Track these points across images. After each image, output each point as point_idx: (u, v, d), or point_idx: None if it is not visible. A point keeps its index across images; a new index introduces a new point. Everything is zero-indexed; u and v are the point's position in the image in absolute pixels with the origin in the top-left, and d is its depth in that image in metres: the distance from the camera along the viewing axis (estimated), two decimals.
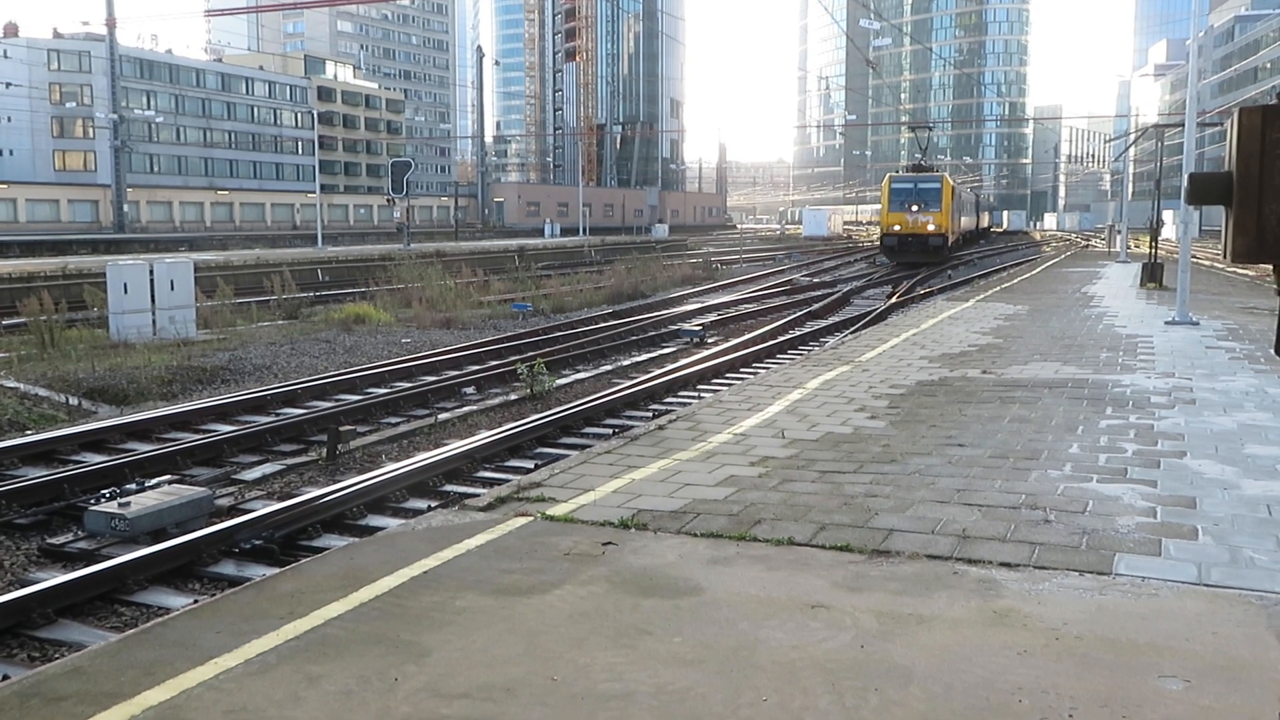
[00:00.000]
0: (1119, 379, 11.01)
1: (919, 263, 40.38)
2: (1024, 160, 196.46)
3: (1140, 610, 4.51)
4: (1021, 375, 11.31)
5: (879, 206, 46.86)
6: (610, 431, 11.15)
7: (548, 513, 6.09)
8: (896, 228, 42.18)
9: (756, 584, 4.88)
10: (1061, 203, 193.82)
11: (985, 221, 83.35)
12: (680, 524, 5.85)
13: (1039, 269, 35.48)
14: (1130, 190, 55.51)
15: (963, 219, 54.05)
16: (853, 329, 20.32)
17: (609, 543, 5.51)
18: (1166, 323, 16.59)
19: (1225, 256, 1.85)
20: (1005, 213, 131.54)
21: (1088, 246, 64.91)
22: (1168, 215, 58.35)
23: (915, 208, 41.79)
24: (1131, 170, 63.91)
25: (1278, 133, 1.73)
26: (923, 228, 41.65)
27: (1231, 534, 5.58)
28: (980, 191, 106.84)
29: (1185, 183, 1.91)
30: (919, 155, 48.08)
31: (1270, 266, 1.93)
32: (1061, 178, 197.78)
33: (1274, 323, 2.03)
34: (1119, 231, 46.11)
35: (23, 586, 6.50)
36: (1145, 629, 4.30)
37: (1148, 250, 30.62)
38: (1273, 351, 2.30)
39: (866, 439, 8.10)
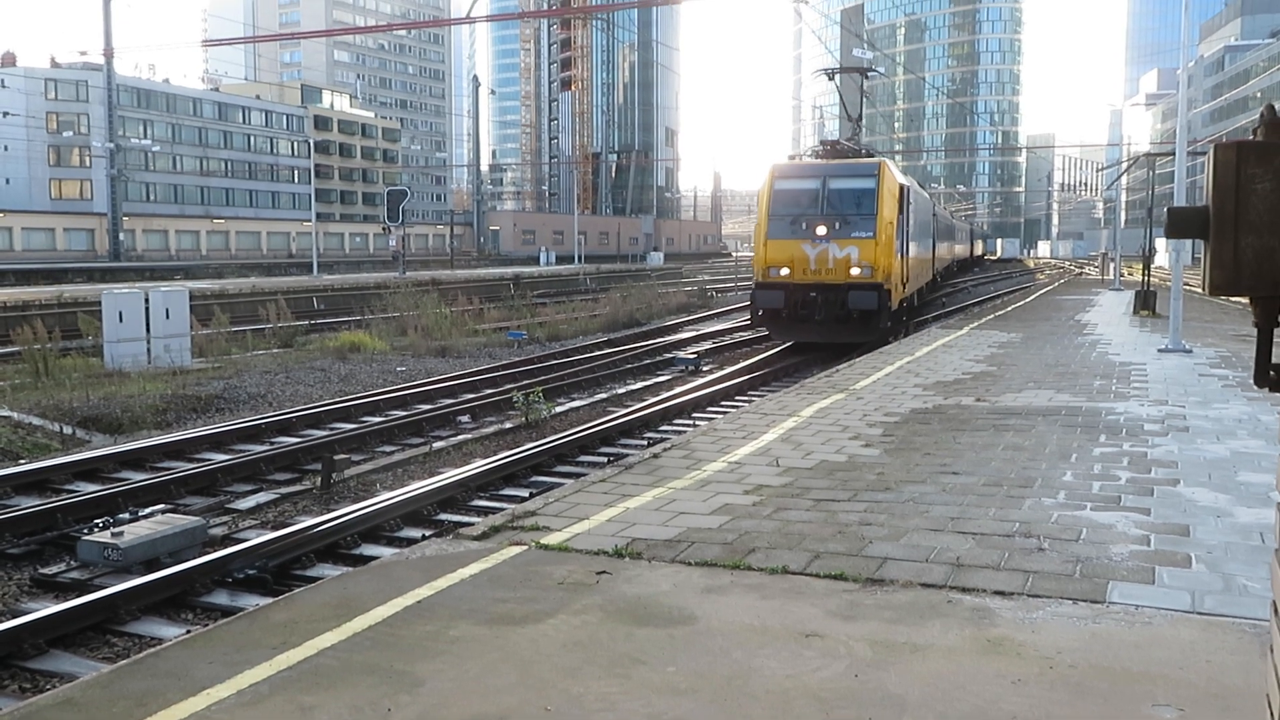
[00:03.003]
0: (1112, 406, 11.04)
1: (829, 342, 20.47)
2: (1017, 188, 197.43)
3: (1134, 638, 4.51)
4: (1015, 403, 11.33)
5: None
6: (605, 460, 11.15)
7: (542, 542, 6.08)
8: (784, 271, 20.62)
9: (751, 613, 4.87)
10: (1055, 230, 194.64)
11: (975, 249, 79.13)
12: (675, 553, 5.85)
13: (1033, 297, 35.59)
14: (1123, 218, 55.77)
15: (930, 248, 31.85)
16: (847, 357, 20.36)
17: (603, 572, 5.50)
18: (1159, 350, 16.64)
19: (1204, 288, 1.89)
20: (999, 240, 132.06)
21: (1081, 274, 65.16)
22: (1160, 243, 58.75)
23: (822, 229, 20.48)
24: (1124, 198, 64.28)
25: (1253, 168, 1.77)
26: (837, 271, 20.40)
27: (1225, 562, 5.59)
28: (973, 219, 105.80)
29: (1165, 216, 1.94)
30: (852, 129, 26.68)
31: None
32: (1055, 206, 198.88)
33: None
34: (1112, 259, 46.08)
35: (14, 617, 6.48)
36: (1139, 657, 4.30)
37: (1140, 278, 30.77)
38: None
39: (861, 467, 8.11)
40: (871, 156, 23.51)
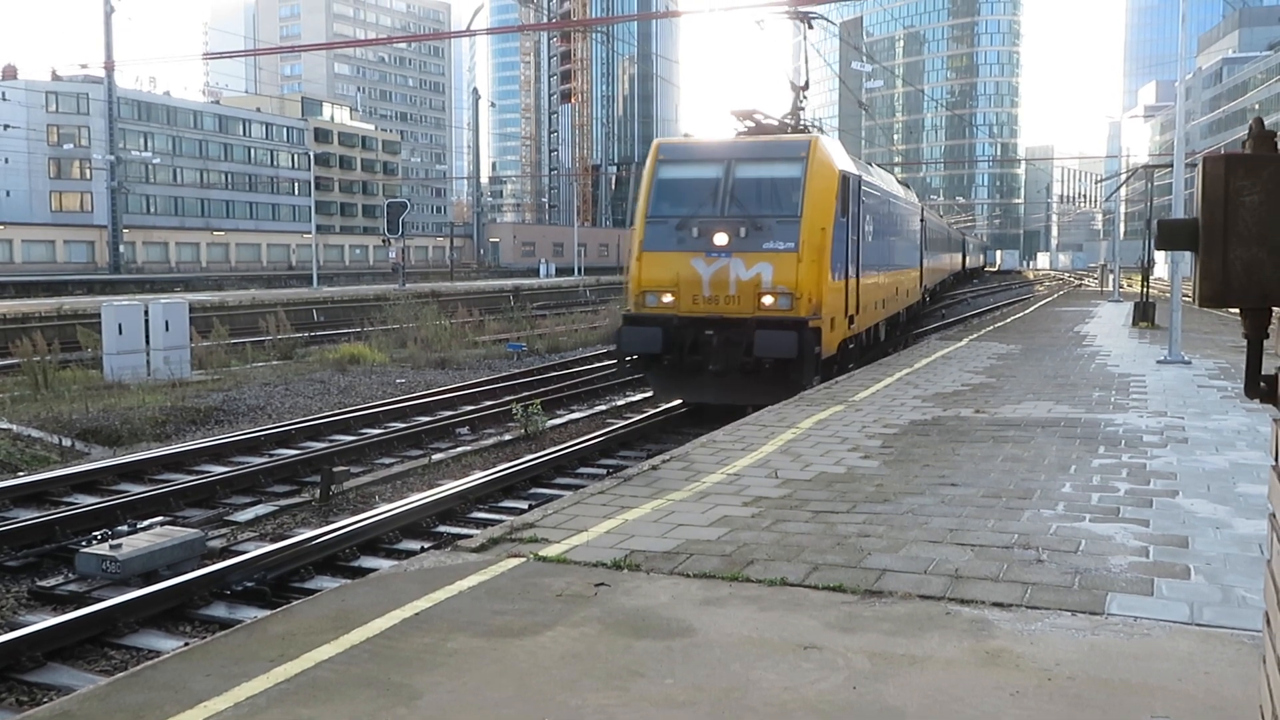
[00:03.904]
0: (1111, 418, 11.04)
1: (727, 403, 13.97)
2: (1016, 200, 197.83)
3: (1133, 650, 4.50)
4: (1014, 414, 11.33)
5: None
6: (604, 471, 11.15)
7: (540, 553, 6.08)
8: (666, 298, 14.42)
9: (749, 625, 4.87)
10: (1054, 242, 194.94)
11: (974, 261, 78.27)
12: (673, 564, 5.84)
13: (1032, 308, 35.60)
14: (1122, 230, 55.76)
15: (917, 260, 27.42)
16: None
17: (601, 583, 5.50)
18: (1158, 361, 16.64)
19: (1194, 300, 1.90)
20: (999, 252, 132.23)
21: (1080, 286, 65.20)
22: (1159, 254, 58.72)
23: (721, 237, 14.24)
24: (1123, 210, 64.38)
25: (1241, 180, 1.78)
26: (741, 299, 14.10)
27: (1224, 573, 5.58)
28: (970, 230, 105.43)
29: (1155, 228, 1.96)
30: (794, 99, 18.49)
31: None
32: (1054, 217, 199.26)
33: None
34: (1111, 271, 45.99)
35: (12, 629, 6.47)
36: (1138, 669, 4.29)
37: (1140, 289, 30.78)
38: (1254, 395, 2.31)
39: (859, 478, 8.10)
40: (805, 132, 16.59)
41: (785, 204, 14.33)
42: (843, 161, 15.82)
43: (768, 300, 13.90)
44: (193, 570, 7.53)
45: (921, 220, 29.01)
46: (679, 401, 15.22)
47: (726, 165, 14.69)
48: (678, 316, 14.12)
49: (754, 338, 13.59)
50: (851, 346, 16.76)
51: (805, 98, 18.75)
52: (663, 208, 14.80)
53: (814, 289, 14.08)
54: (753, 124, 16.10)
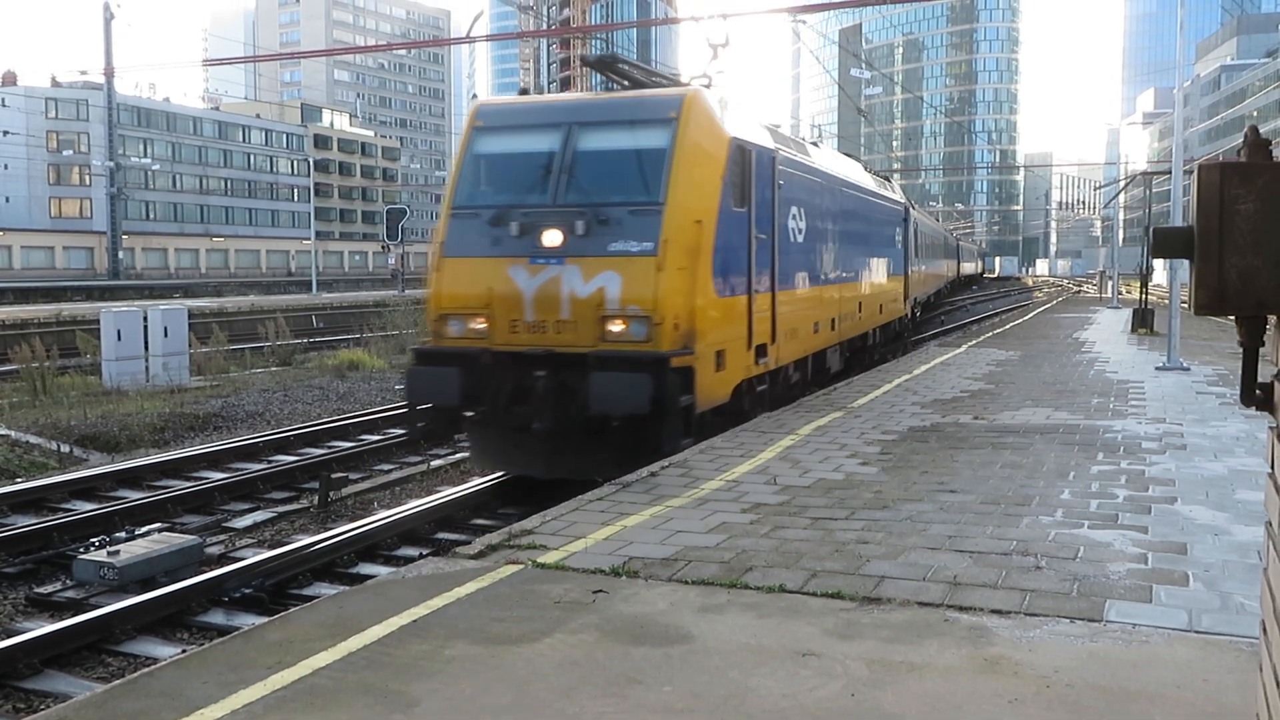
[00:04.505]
0: (1110, 424, 11.04)
1: (562, 476, 9.65)
2: (1015, 207, 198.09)
3: (1131, 657, 4.50)
4: (1013, 421, 11.33)
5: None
6: (602, 478, 11.12)
7: (539, 560, 6.07)
8: (476, 324, 9.91)
9: (747, 632, 4.86)
10: (1053, 249, 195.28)
11: (972, 267, 77.61)
12: (671, 571, 5.83)
13: (1031, 315, 35.60)
14: (1121, 236, 55.82)
15: (898, 267, 22.91)
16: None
17: (600, 590, 5.49)
18: (1157, 368, 16.64)
19: (1190, 308, 1.90)
20: (998, 258, 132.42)
21: (1079, 292, 65.22)
22: (1158, 261, 58.66)
23: (553, 236, 9.70)
24: (1122, 216, 64.50)
25: (1237, 188, 1.78)
26: (579, 325, 9.61)
27: (1222, 580, 5.58)
28: (967, 236, 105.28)
29: (1150, 236, 1.96)
30: (711, 58, 14.26)
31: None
32: (1053, 224, 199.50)
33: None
34: (1110, 277, 45.97)
35: (9, 636, 6.46)
36: (1136, 676, 4.29)
37: (1138, 296, 30.78)
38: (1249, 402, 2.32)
39: (858, 485, 8.10)
40: (678, 84, 11.71)
41: (642, 186, 10.01)
42: (739, 127, 11.19)
43: (615, 327, 9.61)
44: (190, 577, 7.52)
45: (906, 220, 24.69)
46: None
47: (565, 134, 10.33)
48: (491, 351, 9.82)
49: (592, 384, 9.21)
50: (763, 388, 12.20)
51: (716, 55, 14.06)
52: (475, 195, 10.60)
53: (682, 309, 9.72)
54: (627, 82, 11.72)
